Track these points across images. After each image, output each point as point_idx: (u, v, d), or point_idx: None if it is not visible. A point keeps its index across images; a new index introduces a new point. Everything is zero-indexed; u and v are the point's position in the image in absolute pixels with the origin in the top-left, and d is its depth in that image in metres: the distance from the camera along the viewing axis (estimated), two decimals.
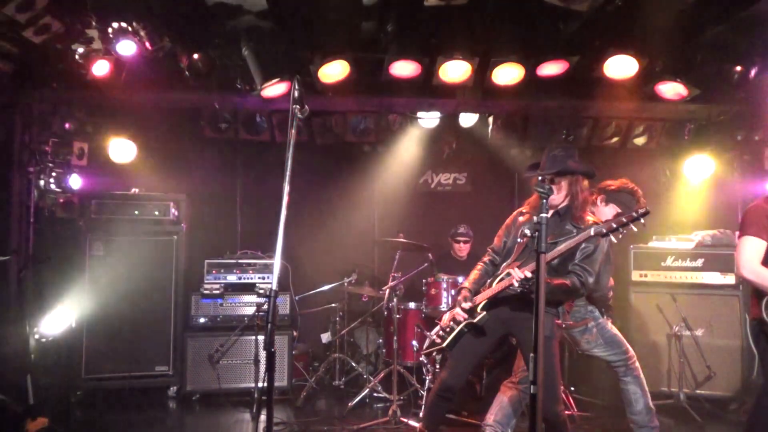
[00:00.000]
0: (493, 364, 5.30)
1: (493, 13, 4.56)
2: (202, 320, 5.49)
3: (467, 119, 6.13)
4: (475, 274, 3.60)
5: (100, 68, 4.68)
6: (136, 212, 5.56)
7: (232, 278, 5.61)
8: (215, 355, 5.25)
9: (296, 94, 2.77)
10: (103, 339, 5.28)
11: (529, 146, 6.41)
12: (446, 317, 3.56)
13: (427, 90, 5.27)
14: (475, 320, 3.33)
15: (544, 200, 2.57)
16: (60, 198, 5.46)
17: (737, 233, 3.37)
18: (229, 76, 5.12)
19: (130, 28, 4.40)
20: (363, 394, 5.16)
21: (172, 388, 5.46)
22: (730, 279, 5.16)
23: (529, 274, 3.06)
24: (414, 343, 5.27)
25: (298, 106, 2.78)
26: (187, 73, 4.85)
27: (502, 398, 3.89)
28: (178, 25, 4.62)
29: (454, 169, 7.05)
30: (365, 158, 6.66)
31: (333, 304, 6.00)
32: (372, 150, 6.62)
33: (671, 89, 5.12)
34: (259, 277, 5.64)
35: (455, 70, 4.86)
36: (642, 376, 4.05)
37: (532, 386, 2.47)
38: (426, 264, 5.65)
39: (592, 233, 2.97)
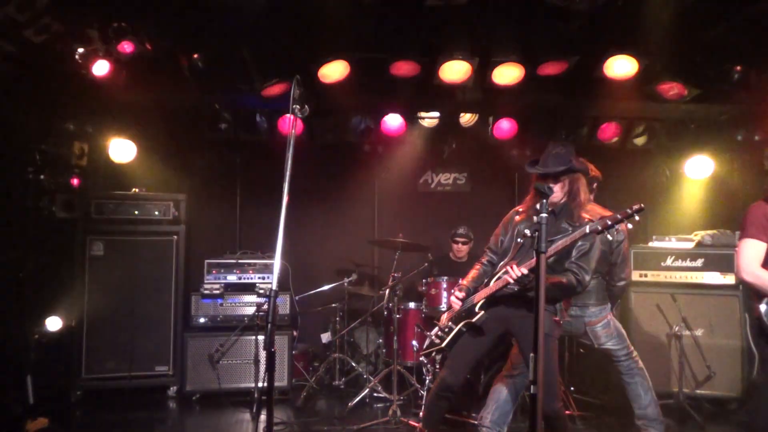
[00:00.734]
0: (492, 362, 5.30)
1: (493, 13, 4.55)
2: (202, 320, 5.49)
3: (467, 119, 6.14)
4: (473, 272, 3.62)
5: (100, 68, 4.68)
6: (136, 212, 5.56)
7: (232, 278, 5.61)
8: (215, 355, 5.25)
9: (296, 94, 2.77)
10: (103, 339, 5.29)
11: (529, 146, 6.42)
12: (444, 317, 3.57)
13: (427, 90, 5.27)
14: (473, 320, 3.33)
15: (545, 200, 2.57)
16: (60, 198, 5.46)
17: (737, 233, 3.37)
18: (229, 76, 5.12)
19: (130, 29, 4.41)
20: (363, 394, 5.16)
21: (172, 388, 5.46)
22: (730, 279, 5.16)
23: (525, 271, 3.07)
24: (414, 343, 5.27)
25: (298, 106, 2.78)
26: (187, 73, 4.84)
27: (499, 395, 3.89)
28: (178, 25, 4.62)
29: (454, 169, 7.05)
30: (365, 158, 6.65)
31: (333, 304, 6.00)
32: (372, 150, 6.61)
33: (671, 89, 5.12)
34: (259, 277, 5.64)
35: (455, 70, 4.86)
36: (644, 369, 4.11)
37: (532, 386, 2.47)
38: (426, 264, 5.66)
39: (587, 231, 2.98)
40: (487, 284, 3.39)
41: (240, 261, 5.66)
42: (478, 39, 4.78)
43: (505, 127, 6.04)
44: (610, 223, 2.91)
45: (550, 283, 3.12)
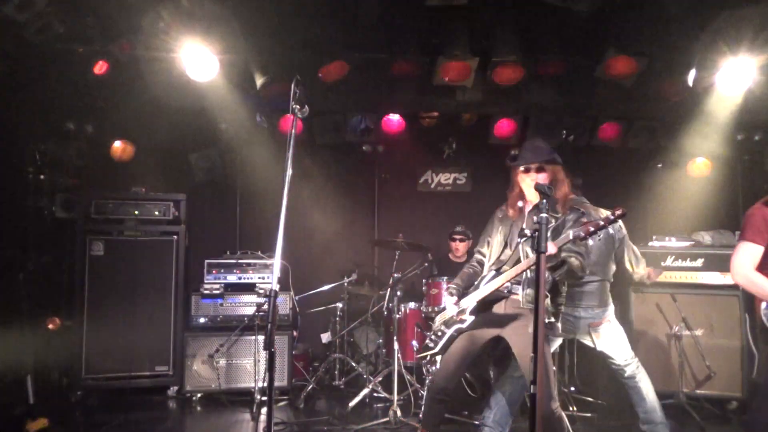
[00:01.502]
0: (493, 362, 5.30)
1: (493, 12, 4.56)
2: (202, 320, 5.49)
3: (468, 119, 6.14)
4: (464, 273, 3.62)
5: (100, 68, 4.68)
6: (136, 212, 5.56)
7: (232, 278, 5.61)
8: (215, 355, 5.25)
9: (296, 94, 2.77)
10: (103, 339, 5.28)
11: None
12: (437, 320, 3.56)
13: (427, 90, 5.28)
14: (463, 325, 3.33)
15: (545, 200, 2.57)
16: (60, 198, 5.47)
17: (737, 233, 3.37)
18: (229, 76, 5.12)
19: (130, 29, 4.41)
20: (363, 394, 5.16)
21: (172, 388, 5.46)
22: (730, 279, 5.15)
23: (554, 250, 3.01)
24: (414, 343, 5.27)
25: (298, 106, 2.78)
26: (187, 72, 4.84)
27: (501, 396, 3.89)
28: (177, 25, 4.61)
29: (454, 169, 7.05)
30: (365, 158, 6.65)
31: (333, 304, 6.00)
32: (372, 150, 6.61)
33: (670, 89, 5.13)
34: (259, 277, 5.64)
35: (455, 70, 4.86)
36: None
37: (531, 386, 2.47)
38: (426, 264, 5.65)
39: (570, 237, 2.97)
40: (477, 287, 3.37)
41: (240, 261, 5.66)
42: (478, 39, 4.79)
43: (505, 127, 6.04)
44: (592, 229, 2.90)
45: (556, 270, 3.11)
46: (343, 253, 6.49)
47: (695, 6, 4.28)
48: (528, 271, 3.18)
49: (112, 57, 4.64)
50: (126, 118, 5.61)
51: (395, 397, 4.71)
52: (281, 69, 4.89)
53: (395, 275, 5.29)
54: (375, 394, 5.29)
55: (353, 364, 5.76)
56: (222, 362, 5.30)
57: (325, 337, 6.13)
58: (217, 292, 5.51)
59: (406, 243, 5.45)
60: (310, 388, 5.44)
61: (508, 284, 3.29)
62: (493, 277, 3.31)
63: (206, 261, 5.61)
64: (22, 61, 4.58)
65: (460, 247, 5.89)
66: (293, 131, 2.77)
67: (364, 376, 5.54)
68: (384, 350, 5.72)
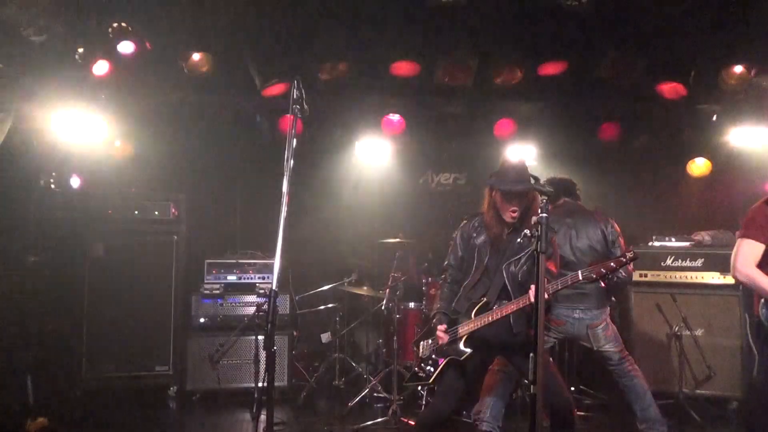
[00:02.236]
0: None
1: (493, 13, 4.56)
2: (202, 320, 5.49)
3: (466, 119, 6.14)
4: (443, 295, 3.50)
5: (100, 68, 4.68)
6: (136, 212, 5.56)
7: (232, 278, 5.61)
8: (215, 355, 5.25)
9: (296, 94, 2.77)
10: (103, 339, 5.28)
11: (529, 146, 6.41)
12: (424, 345, 3.45)
13: (427, 90, 5.27)
14: (461, 359, 3.25)
15: (545, 199, 2.57)
16: (60, 198, 5.46)
17: (737, 233, 3.38)
18: (229, 76, 5.12)
19: (130, 28, 4.41)
20: (363, 394, 5.16)
21: (172, 388, 5.46)
22: (730, 279, 5.15)
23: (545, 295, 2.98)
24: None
25: (298, 106, 2.78)
26: (187, 73, 4.85)
27: (493, 390, 3.87)
28: (178, 25, 4.62)
29: (454, 169, 7.04)
30: (364, 158, 6.65)
31: (333, 304, 6.00)
32: (371, 150, 6.60)
33: (671, 89, 5.13)
34: (259, 277, 5.64)
35: (455, 70, 4.86)
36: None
37: (531, 386, 2.47)
38: (426, 264, 5.65)
39: (580, 278, 2.94)
40: (468, 315, 3.28)
41: (240, 261, 5.65)
42: (478, 39, 4.78)
43: (505, 127, 6.04)
44: (604, 271, 2.90)
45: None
46: (343, 253, 6.49)
47: (695, 6, 4.28)
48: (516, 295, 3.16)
49: (112, 57, 4.64)
50: (126, 118, 5.61)
51: (395, 397, 4.71)
52: (281, 69, 4.89)
53: (395, 275, 5.29)
54: (375, 394, 5.29)
55: (353, 364, 5.76)
56: (222, 362, 5.29)
57: (325, 337, 6.12)
58: (217, 292, 5.51)
59: (406, 243, 5.45)
60: (310, 388, 5.44)
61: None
62: (484, 306, 3.24)
63: (206, 261, 5.61)
64: (22, 61, 4.57)
65: None
66: (293, 131, 2.77)
67: (364, 376, 5.54)
68: (384, 350, 5.72)
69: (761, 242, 3.16)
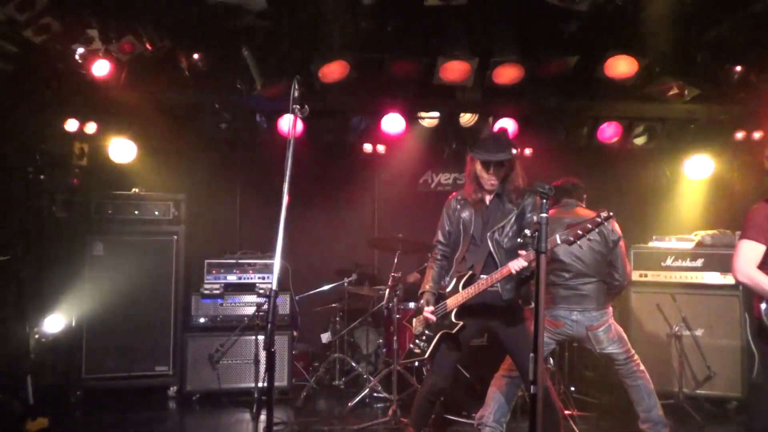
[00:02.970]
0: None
1: (493, 13, 4.56)
2: (202, 320, 5.49)
3: (467, 119, 6.14)
4: (433, 273, 3.56)
5: (100, 68, 4.68)
6: (136, 212, 5.56)
7: (232, 278, 5.61)
8: (215, 355, 5.25)
9: (296, 94, 2.77)
10: (103, 339, 5.28)
11: (529, 146, 6.42)
12: (416, 323, 3.51)
13: (427, 90, 5.27)
14: (453, 331, 3.30)
15: (545, 200, 2.57)
16: (60, 198, 5.46)
17: (738, 233, 3.38)
18: (229, 76, 5.12)
19: (130, 28, 4.41)
20: (363, 394, 5.16)
21: (172, 388, 5.46)
22: (730, 279, 5.15)
23: (525, 263, 3.04)
24: (414, 340, 5.25)
25: (298, 106, 2.78)
26: (187, 73, 4.84)
27: (498, 394, 3.89)
28: (178, 25, 4.62)
29: (454, 169, 7.05)
30: (365, 158, 6.65)
31: (333, 304, 6.00)
32: (372, 150, 6.61)
33: (671, 89, 5.13)
34: (259, 277, 5.64)
35: (455, 70, 4.86)
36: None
37: (532, 386, 2.47)
38: (426, 264, 5.64)
39: (558, 242, 2.96)
40: (456, 288, 3.34)
41: (240, 261, 5.65)
42: (478, 39, 4.78)
43: (505, 127, 6.03)
44: (580, 232, 2.90)
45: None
46: (343, 253, 6.49)
47: (695, 6, 4.28)
48: (504, 262, 3.19)
49: (112, 57, 4.64)
50: (126, 118, 5.61)
51: (395, 397, 4.71)
52: (281, 69, 4.89)
53: (395, 275, 5.29)
54: (375, 394, 5.29)
55: (353, 364, 5.76)
56: (222, 362, 5.29)
57: (325, 337, 6.13)
58: (217, 292, 5.51)
59: (406, 243, 5.45)
60: (309, 388, 5.45)
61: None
62: (471, 278, 3.30)
63: (206, 261, 5.60)
64: (22, 61, 4.58)
65: None
66: (293, 131, 2.77)
67: (364, 376, 5.54)
68: (384, 350, 5.72)
69: (761, 243, 3.15)
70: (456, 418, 4.68)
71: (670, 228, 5.83)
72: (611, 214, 2.91)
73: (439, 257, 3.61)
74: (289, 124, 2.74)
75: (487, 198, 3.43)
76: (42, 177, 5.34)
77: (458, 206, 3.52)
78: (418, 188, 7.03)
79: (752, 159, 5.99)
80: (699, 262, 5.29)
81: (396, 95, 5.60)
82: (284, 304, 5.53)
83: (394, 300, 5.14)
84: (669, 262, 5.36)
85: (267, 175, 6.21)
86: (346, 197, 6.74)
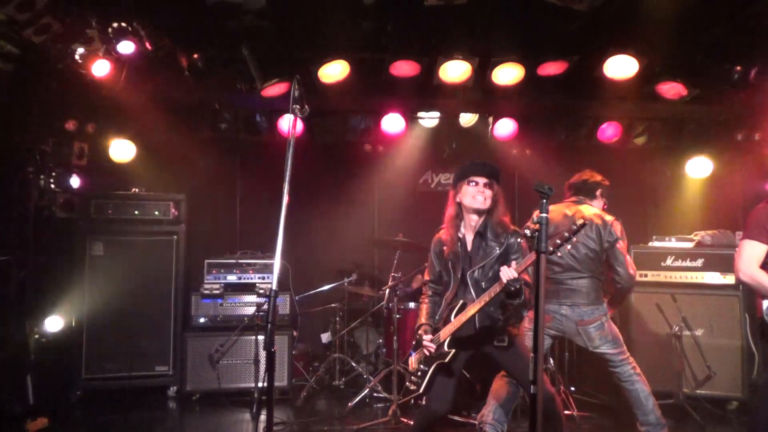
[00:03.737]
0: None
1: (493, 13, 4.56)
2: (202, 320, 5.49)
3: (467, 119, 6.15)
4: (426, 309, 3.54)
5: (100, 68, 4.68)
6: (136, 212, 5.56)
7: (232, 278, 5.61)
8: (215, 355, 5.25)
9: (296, 94, 2.77)
10: (103, 339, 5.28)
11: (529, 146, 6.42)
12: (413, 360, 3.48)
13: (427, 90, 5.27)
14: (445, 360, 3.28)
15: (545, 200, 2.57)
16: (60, 198, 5.46)
17: (738, 233, 3.38)
18: (229, 76, 5.12)
19: (130, 28, 4.41)
20: (363, 394, 5.16)
21: (172, 388, 5.46)
22: (730, 279, 5.15)
23: (515, 274, 3.02)
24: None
25: (298, 106, 2.78)
26: (187, 73, 4.84)
27: (499, 394, 3.88)
28: (178, 25, 4.62)
29: (454, 169, 7.04)
30: (365, 158, 6.66)
31: (333, 304, 6.00)
32: (372, 150, 6.62)
33: (671, 89, 5.13)
34: (259, 277, 5.64)
35: (455, 70, 4.86)
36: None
37: (532, 386, 2.47)
38: (426, 264, 5.64)
39: (534, 257, 2.95)
40: (447, 318, 3.33)
41: (240, 261, 5.65)
42: (478, 39, 4.79)
43: (505, 127, 6.04)
44: (558, 242, 2.89)
45: (515, 301, 3.14)
46: (343, 253, 6.49)
47: (695, 6, 4.27)
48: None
49: (112, 57, 4.64)
50: (126, 118, 5.62)
51: (395, 397, 4.71)
52: (281, 69, 4.89)
53: (395, 275, 5.29)
54: (375, 394, 5.29)
55: (353, 364, 5.76)
56: (222, 362, 5.29)
57: (325, 337, 6.13)
58: (217, 292, 5.51)
59: (406, 243, 5.45)
60: (310, 388, 5.44)
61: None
62: (462, 307, 3.29)
63: (206, 261, 5.60)
64: (22, 61, 4.58)
65: None
66: (293, 131, 2.77)
67: (364, 376, 5.54)
68: (384, 350, 5.72)
69: (764, 242, 3.15)
70: (456, 418, 4.67)
71: (670, 228, 5.83)
72: (585, 223, 2.93)
73: (430, 294, 3.59)
74: (289, 124, 2.73)
75: (469, 237, 3.40)
76: (42, 177, 5.33)
77: (444, 247, 3.48)
78: (418, 188, 7.03)
79: (752, 159, 6.00)
80: (699, 262, 5.29)
81: (396, 95, 5.60)
82: (284, 304, 5.53)
83: (394, 300, 5.14)
84: (669, 262, 5.36)
85: (267, 175, 6.18)
86: (346, 197, 6.74)
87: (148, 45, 4.53)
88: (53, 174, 5.38)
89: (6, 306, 4.97)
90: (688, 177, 6.34)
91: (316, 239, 6.56)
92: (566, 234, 2.89)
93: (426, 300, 3.58)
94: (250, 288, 5.60)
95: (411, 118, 6.08)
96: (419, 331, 3.43)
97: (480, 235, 3.36)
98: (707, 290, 5.23)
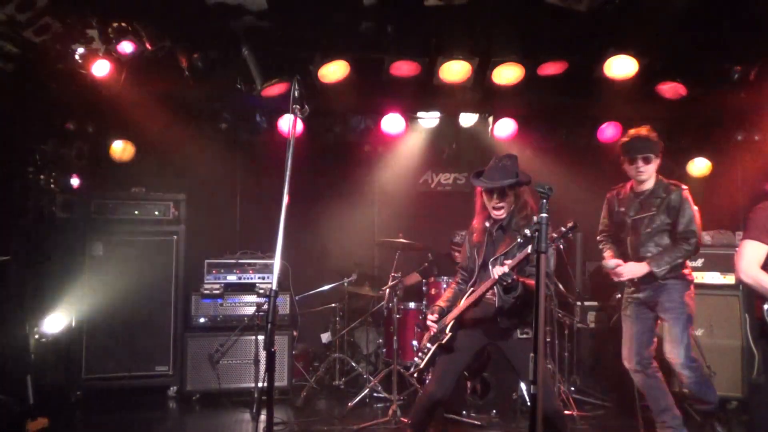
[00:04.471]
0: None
1: (493, 13, 4.55)
2: (202, 320, 5.49)
3: (467, 119, 6.15)
4: (448, 293, 3.64)
5: (100, 68, 4.68)
6: (136, 212, 5.56)
7: (232, 278, 5.61)
8: (215, 355, 5.25)
9: (296, 94, 2.77)
10: (103, 339, 5.29)
11: (529, 146, 6.41)
12: (424, 338, 3.58)
13: (427, 90, 5.27)
14: (443, 342, 3.36)
15: (545, 200, 2.57)
16: (60, 198, 5.46)
17: (738, 233, 3.38)
18: (229, 76, 5.12)
19: (130, 28, 4.41)
20: (363, 394, 5.16)
21: (172, 388, 5.46)
22: (730, 279, 5.15)
23: (506, 269, 3.03)
24: (414, 343, 5.27)
25: (298, 106, 2.78)
26: (187, 73, 4.84)
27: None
28: (178, 25, 4.62)
29: (454, 169, 7.05)
30: (365, 158, 6.65)
31: (333, 304, 6.00)
32: (372, 150, 6.62)
33: (671, 89, 5.13)
34: (259, 277, 5.64)
35: (455, 70, 4.86)
36: None
37: (532, 386, 2.47)
38: (426, 264, 5.65)
39: (529, 251, 2.96)
40: (456, 304, 3.43)
41: (240, 261, 5.66)
42: (478, 39, 4.78)
43: (505, 127, 6.04)
44: (555, 236, 2.90)
45: (528, 286, 3.14)
46: (343, 253, 6.49)
47: (695, 6, 4.27)
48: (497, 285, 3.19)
49: (112, 57, 4.64)
50: (126, 118, 5.61)
51: (395, 397, 4.71)
52: (281, 69, 4.89)
53: (395, 275, 5.29)
54: (375, 394, 5.29)
55: (353, 364, 5.76)
56: (222, 362, 5.29)
57: (325, 337, 6.13)
58: (217, 292, 5.52)
59: (406, 243, 5.45)
60: (310, 388, 5.44)
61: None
62: (470, 294, 3.36)
63: (206, 261, 5.61)
64: (22, 61, 4.57)
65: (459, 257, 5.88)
66: (293, 131, 2.77)
67: (364, 376, 5.55)
68: (384, 350, 5.72)
69: (765, 243, 3.15)
70: (456, 418, 4.67)
71: None
72: (576, 224, 2.91)
73: (459, 280, 3.68)
74: (289, 124, 2.74)
75: (494, 228, 3.44)
76: (42, 177, 5.33)
77: (473, 234, 3.56)
78: (418, 188, 7.04)
79: (752, 159, 5.99)
80: (699, 262, 5.28)
81: (396, 95, 5.60)
82: (284, 304, 5.53)
83: (394, 300, 5.14)
84: None
85: (267, 175, 6.21)
86: (346, 197, 6.74)
87: (148, 45, 4.53)
88: (53, 174, 5.38)
89: (6, 306, 4.97)
90: (688, 177, 6.33)
91: (316, 239, 6.56)
92: (554, 235, 2.89)
93: (453, 286, 3.68)
94: (250, 288, 5.60)
95: (411, 118, 6.09)
96: (428, 313, 3.56)
97: (502, 228, 3.39)
98: (707, 290, 5.22)
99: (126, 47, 4.47)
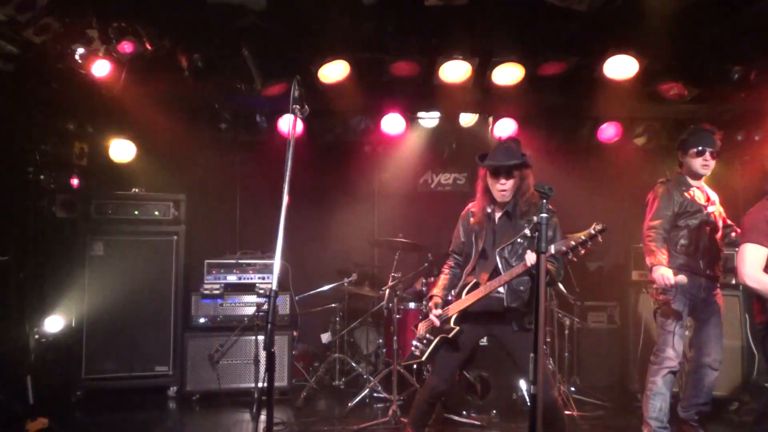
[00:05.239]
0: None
1: (493, 13, 4.55)
2: (202, 320, 5.49)
3: (467, 119, 6.14)
4: (443, 279, 3.58)
5: (100, 68, 4.68)
6: (136, 212, 5.56)
7: (232, 278, 5.61)
8: (215, 355, 5.25)
9: (296, 94, 2.77)
10: (103, 339, 5.29)
11: (529, 146, 6.40)
12: (421, 327, 3.54)
13: (427, 90, 5.27)
14: (449, 335, 3.33)
15: (545, 200, 2.57)
16: (60, 198, 5.46)
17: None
18: (229, 76, 5.12)
19: (130, 28, 4.41)
20: (363, 394, 5.16)
21: (172, 388, 5.46)
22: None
23: (553, 250, 2.97)
24: (414, 343, 5.26)
25: (298, 106, 2.78)
26: (187, 73, 4.84)
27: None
28: (178, 25, 4.62)
29: (454, 169, 7.05)
30: (365, 158, 6.65)
31: (333, 304, 6.00)
32: (372, 150, 6.61)
33: (671, 89, 5.13)
34: (259, 277, 5.64)
35: (455, 70, 4.86)
36: None
37: (532, 386, 2.47)
38: (426, 264, 5.65)
39: (552, 251, 2.94)
40: (459, 295, 3.37)
41: (240, 261, 5.65)
42: (478, 39, 4.79)
43: (505, 127, 6.04)
44: (573, 243, 2.89)
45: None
46: (343, 253, 6.49)
47: (695, 6, 4.27)
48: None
49: (112, 57, 4.64)
50: (126, 118, 5.61)
51: (395, 397, 4.71)
52: (281, 69, 4.89)
53: (395, 275, 5.29)
54: (375, 394, 5.29)
55: (353, 364, 5.76)
56: (222, 362, 5.29)
57: (325, 337, 6.13)
58: (217, 292, 5.51)
59: (406, 243, 5.45)
60: (310, 388, 5.44)
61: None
62: (474, 286, 3.32)
63: (206, 261, 5.60)
64: (22, 61, 4.58)
65: None
66: (293, 131, 2.77)
67: (364, 376, 5.54)
68: (384, 350, 5.72)
69: (765, 246, 3.13)
70: (456, 418, 4.67)
71: None
72: (605, 227, 2.86)
73: (452, 265, 3.63)
74: (289, 124, 2.73)
75: (497, 214, 3.41)
76: (42, 177, 5.34)
77: (472, 218, 3.51)
78: (418, 188, 7.03)
79: (752, 159, 5.99)
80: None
81: (396, 95, 5.60)
82: (284, 304, 5.53)
83: (394, 300, 5.14)
84: None
85: (267, 175, 6.21)
86: (346, 198, 6.74)
87: (148, 45, 4.53)
88: (53, 174, 5.38)
89: (6, 306, 4.97)
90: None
91: (316, 239, 6.56)
92: (582, 237, 2.86)
93: (446, 271, 3.62)
94: (250, 288, 5.60)
95: (411, 119, 6.08)
96: (429, 303, 3.49)
97: (507, 214, 3.36)
98: None
99: (126, 47, 4.47)
